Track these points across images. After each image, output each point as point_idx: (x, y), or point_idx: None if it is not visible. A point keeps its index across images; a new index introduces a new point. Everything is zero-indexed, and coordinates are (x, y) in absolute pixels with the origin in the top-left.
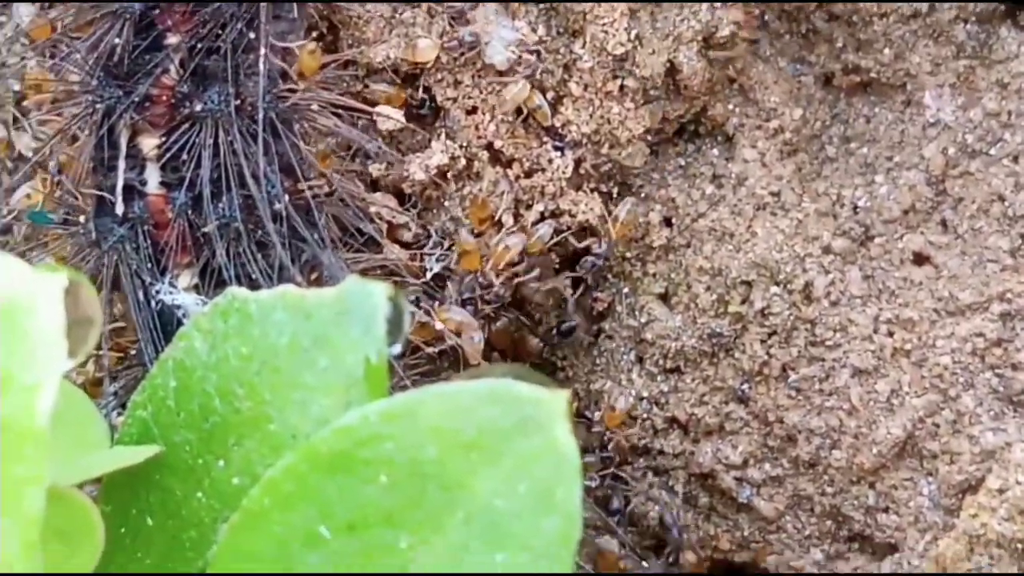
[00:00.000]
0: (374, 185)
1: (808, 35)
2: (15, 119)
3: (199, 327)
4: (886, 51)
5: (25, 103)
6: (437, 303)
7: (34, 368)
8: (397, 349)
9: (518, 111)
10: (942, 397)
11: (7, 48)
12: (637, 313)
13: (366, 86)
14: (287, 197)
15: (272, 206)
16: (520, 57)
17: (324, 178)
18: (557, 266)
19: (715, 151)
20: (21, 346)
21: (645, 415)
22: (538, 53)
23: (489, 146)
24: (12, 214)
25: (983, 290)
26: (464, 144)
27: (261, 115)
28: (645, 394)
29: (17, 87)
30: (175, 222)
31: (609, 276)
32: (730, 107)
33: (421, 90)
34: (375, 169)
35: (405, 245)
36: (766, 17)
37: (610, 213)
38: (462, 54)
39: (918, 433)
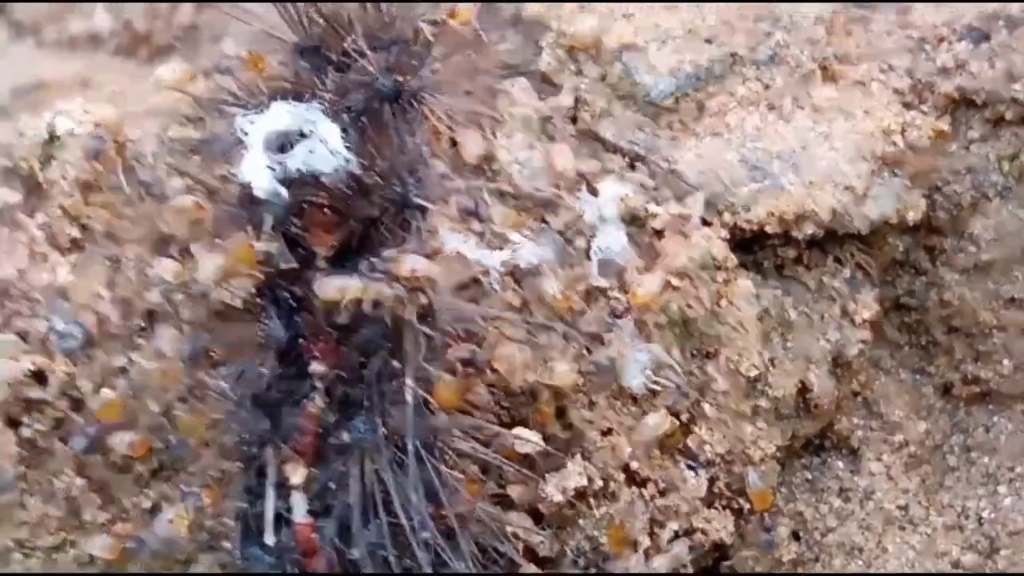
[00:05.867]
0: (510, 505)
1: (928, 347)
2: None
3: None
4: (1005, 362)
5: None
6: None
7: None
8: None
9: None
10: None
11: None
12: None
13: (504, 408)
14: (432, 523)
15: (419, 534)
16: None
17: (467, 502)
18: None
19: (840, 464)
20: None
21: None
22: (678, 386)
23: (625, 467)
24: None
25: None
26: (600, 465)
27: (411, 447)
28: None
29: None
30: (323, 551)
31: None
32: (855, 421)
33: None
34: (512, 490)
35: (541, 563)
36: (885, 329)
37: (738, 528)
38: (599, 377)
39: None
